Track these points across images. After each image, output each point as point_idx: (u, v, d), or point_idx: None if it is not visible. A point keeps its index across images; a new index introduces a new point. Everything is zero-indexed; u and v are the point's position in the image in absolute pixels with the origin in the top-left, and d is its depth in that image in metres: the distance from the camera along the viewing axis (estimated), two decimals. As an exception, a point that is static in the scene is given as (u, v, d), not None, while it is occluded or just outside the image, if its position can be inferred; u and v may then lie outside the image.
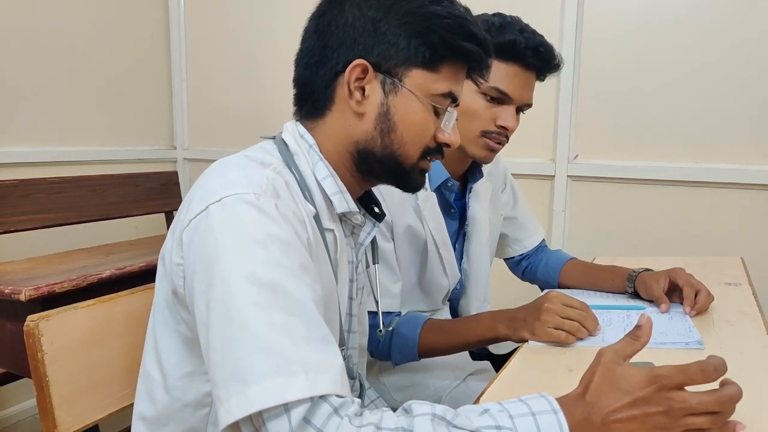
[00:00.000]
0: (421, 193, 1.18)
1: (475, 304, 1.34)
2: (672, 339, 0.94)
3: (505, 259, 1.52)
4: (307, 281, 0.64)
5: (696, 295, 1.08)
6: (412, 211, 1.19)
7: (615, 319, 1.06)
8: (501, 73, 1.09)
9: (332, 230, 0.78)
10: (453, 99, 0.79)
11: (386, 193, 1.14)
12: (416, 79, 0.75)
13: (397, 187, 0.83)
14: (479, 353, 1.44)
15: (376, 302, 0.97)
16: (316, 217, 0.75)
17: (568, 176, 2.03)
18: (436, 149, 0.80)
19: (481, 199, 1.31)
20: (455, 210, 1.28)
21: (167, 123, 2.80)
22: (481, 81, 0.83)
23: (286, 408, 0.56)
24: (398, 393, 1.24)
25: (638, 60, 1.90)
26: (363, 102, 0.75)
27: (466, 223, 1.31)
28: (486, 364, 1.31)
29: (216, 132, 2.76)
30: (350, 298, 0.86)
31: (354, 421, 0.57)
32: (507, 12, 1.15)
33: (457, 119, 0.81)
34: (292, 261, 0.64)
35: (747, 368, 0.84)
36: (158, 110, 2.75)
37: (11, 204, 1.88)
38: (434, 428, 0.57)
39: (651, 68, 1.89)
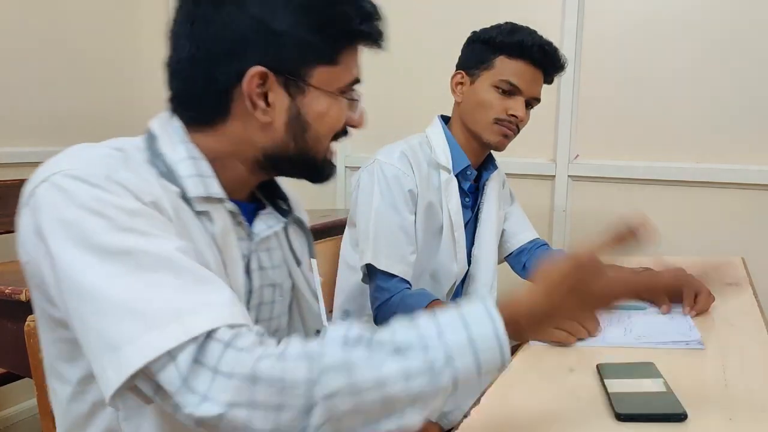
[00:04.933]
0: (443, 175, 1.29)
1: (483, 290, 1.39)
2: (672, 338, 0.94)
3: (506, 258, 1.53)
4: (166, 236, 0.60)
5: (696, 296, 1.09)
6: (435, 189, 1.27)
7: (615, 318, 1.05)
8: (511, 69, 1.23)
9: (207, 212, 0.70)
10: (358, 81, 0.75)
11: (416, 167, 1.25)
12: (321, 76, 0.70)
13: (308, 179, 0.78)
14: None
15: (317, 298, 0.89)
16: (186, 198, 0.68)
17: (568, 176, 2.03)
18: (343, 132, 0.76)
19: (493, 191, 1.40)
20: (469, 199, 1.36)
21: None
22: (381, 49, 0.76)
23: (171, 356, 0.54)
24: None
25: (639, 60, 1.90)
26: (268, 111, 0.69)
27: (478, 208, 1.39)
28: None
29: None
30: (250, 291, 0.78)
31: (253, 352, 0.54)
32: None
33: (358, 100, 0.76)
34: (141, 224, 0.59)
35: (747, 368, 0.84)
36: (158, 110, 2.75)
37: (13, 204, 1.87)
38: (345, 352, 0.55)
39: (651, 69, 1.89)
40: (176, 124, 0.71)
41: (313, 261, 0.89)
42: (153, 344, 0.54)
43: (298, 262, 0.85)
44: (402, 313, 1.14)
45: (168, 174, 0.67)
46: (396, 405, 0.56)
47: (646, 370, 0.82)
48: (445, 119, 1.37)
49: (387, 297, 1.19)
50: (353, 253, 1.35)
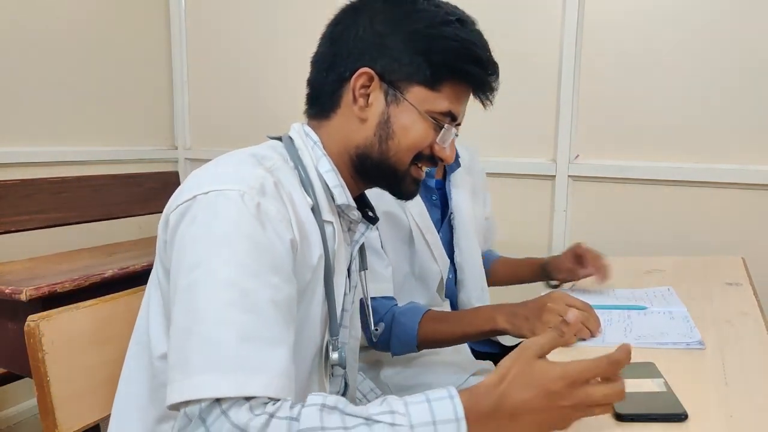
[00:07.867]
0: None
1: (475, 294, 1.37)
2: (672, 339, 0.94)
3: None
4: (273, 282, 0.66)
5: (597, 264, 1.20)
6: (391, 198, 1.21)
7: (616, 318, 1.06)
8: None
9: (331, 222, 0.81)
10: (453, 118, 0.82)
11: None
12: (417, 94, 0.79)
13: (391, 192, 0.87)
14: (483, 351, 1.45)
15: (367, 306, 0.99)
16: (315, 209, 0.78)
17: (569, 176, 2.03)
18: (429, 157, 0.83)
19: (461, 190, 1.36)
20: (436, 197, 1.32)
21: (168, 123, 2.80)
22: (488, 102, 0.86)
23: (218, 401, 0.59)
24: (401, 393, 1.24)
25: (639, 60, 1.90)
26: (366, 108, 0.80)
27: (450, 213, 1.35)
28: (488, 364, 1.32)
29: (217, 132, 2.76)
30: (344, 293, 0.87)
31: (255, 411, 0.59)
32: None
33: (456, 135, 0.84)
34: (259, 262, 0.66)
35: (747, 368, 0.84)
36: (159, 110, 2.75)
37: (13, 204, 1.88)
38: (322, 417, 0.58)
39: (652, 68, 1.89)
40: (314, 138, 0.83)
41: (365, 272, 0.98)
42: (209, 386, 0.59)
43: (365, 267, 0.97)
44: (397, 333, 1.14)
45: (306, 182, 0.79)
46: None
47: (646, 370, 0.81)
48: None
49: (377, 319, 1.15)
50: None
